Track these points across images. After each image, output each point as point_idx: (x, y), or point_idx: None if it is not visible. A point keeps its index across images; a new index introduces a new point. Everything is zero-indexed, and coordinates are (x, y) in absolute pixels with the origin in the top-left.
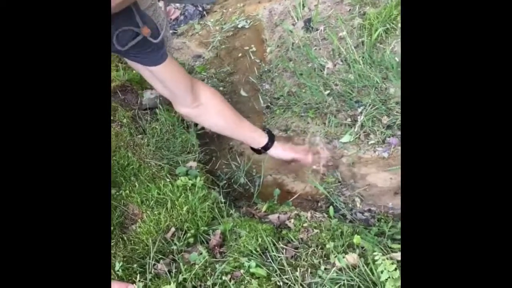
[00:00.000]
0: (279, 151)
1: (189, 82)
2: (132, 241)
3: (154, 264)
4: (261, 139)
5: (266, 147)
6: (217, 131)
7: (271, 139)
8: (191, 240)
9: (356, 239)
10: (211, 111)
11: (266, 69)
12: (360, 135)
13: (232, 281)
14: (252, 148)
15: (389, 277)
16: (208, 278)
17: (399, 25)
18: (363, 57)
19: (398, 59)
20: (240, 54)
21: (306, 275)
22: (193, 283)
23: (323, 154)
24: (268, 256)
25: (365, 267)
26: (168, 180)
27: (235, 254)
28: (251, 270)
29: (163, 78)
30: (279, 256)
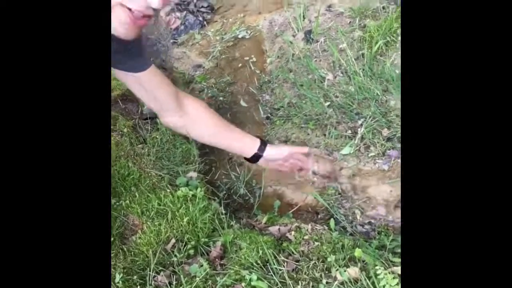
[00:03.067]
0: (273, 150)
1: (173, 90)
2: (132, 252)
3: (155, 276)
4: (253, 144)
5: (260, 149)
6: (206, 141)
7: (264, 143)
8: (192, 251)
9: (358, 252)
10: (197, 120)
11: (266, 80)
12: (360, 147)
13: None
14: (246, 159)
15: None
16: None
17: (399, 38)
18: (363, 69)
19: (398, 71)
20: (240, 65)
21: None
22: None
23: (323, 164)
24: (269, 269)
25: (367, 281)
26: (168, 190)
27: (236, 266)
28: (253, 283)
29: (147, 85)
30: (280, 269)
